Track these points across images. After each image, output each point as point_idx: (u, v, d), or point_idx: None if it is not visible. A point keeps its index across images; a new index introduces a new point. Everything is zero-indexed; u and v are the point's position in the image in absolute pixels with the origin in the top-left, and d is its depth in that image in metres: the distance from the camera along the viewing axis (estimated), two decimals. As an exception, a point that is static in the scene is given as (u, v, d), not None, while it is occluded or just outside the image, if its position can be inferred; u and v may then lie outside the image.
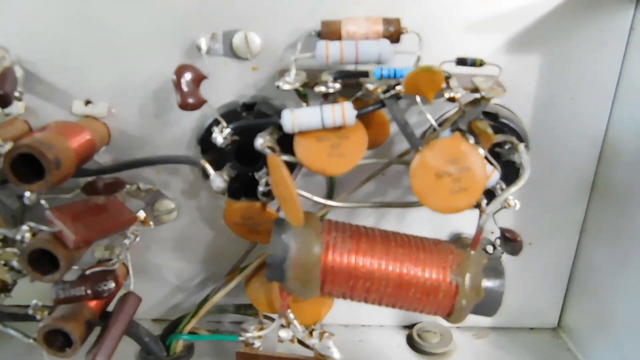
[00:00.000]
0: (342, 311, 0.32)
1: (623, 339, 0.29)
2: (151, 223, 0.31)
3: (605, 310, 0.31)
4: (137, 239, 0.31)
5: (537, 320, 0.36)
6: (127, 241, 0.30)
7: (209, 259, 0.33)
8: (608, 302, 0.31)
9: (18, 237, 0.26)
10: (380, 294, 0.26)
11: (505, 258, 0.30)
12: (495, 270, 0.26)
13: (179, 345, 0.31)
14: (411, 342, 0.34)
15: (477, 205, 0.26)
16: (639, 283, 0.28)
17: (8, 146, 0.24)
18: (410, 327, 0.35)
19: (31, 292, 0.28)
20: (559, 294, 0.35)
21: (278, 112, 0.27)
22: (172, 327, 0.32)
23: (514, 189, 0.25)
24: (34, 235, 0.26)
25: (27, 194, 0.25)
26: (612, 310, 0.30)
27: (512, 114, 0.29)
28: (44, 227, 0.25)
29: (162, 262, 0.33)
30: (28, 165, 0.24)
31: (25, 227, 0.26)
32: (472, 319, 0.34)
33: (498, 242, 0.30)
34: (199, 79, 0.26)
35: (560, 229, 0.33)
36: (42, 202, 0.26)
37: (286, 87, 0.26)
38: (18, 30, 0.28)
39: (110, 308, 0.30)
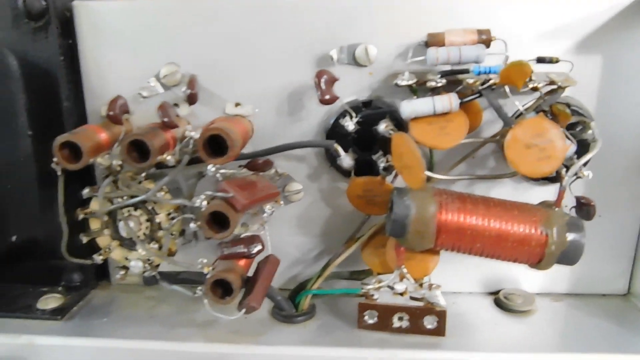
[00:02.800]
0: (435, 279, 0.39)
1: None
2: (281, 202, 0.40)
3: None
4: (272, 214, 0.39)
5: (608, 288, 0.42)
6: (264, 215, 0.39)
7: (326, 234, 0.41)
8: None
9: (197, 203, 0.34)
10: (483, 245, 0.33)
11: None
12: (576, 225, 0.33)
13: (306, 302, 0.39)
14: (498, 304, 0.41)
15: (557, 173, 0.34)
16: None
17: (197, 133, 0.33)
18: (495, 293, 0.42)
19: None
20: (627, 263, 0.41)
21: (389, 107, 0.36)
22: (299, 289, 0.40)
23: (589, 156, 0.32)
24: (208, 202, 0.35)
25: (211, 167, 0.34)
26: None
27: (579, 102, 0.37)
28: (219, 194, 0.34)
29: (287, 237, 0.42)
30: (210, 146, 0.34)
31: (203, 196, 0.34)
32: (549, 285, 0.41)
33: (572, 211, 0.37)
34: (332, 80, 0.35)
35: (625, 202, 0.40)
36: (217, 175, 0.35)
37: (403, 83, 0.34)
38: (186, 50, 0.38)
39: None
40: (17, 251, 0.40)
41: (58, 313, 0.39)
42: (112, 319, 0.40)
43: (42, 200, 0.40)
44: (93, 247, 0.40)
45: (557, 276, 0.42)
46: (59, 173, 0.36)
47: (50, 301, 0.41)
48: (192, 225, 0.36)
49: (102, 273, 0.45)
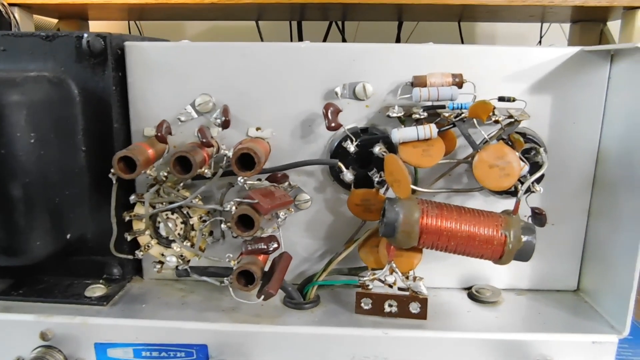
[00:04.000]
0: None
1: (623, 292, 0.44)
2: (292, 210, 0.49)
3: (609, 272, 0.47)
4: (285, 219, 0.48)
5: (561, 284, 0.51)
6: (279, 220, 0.48)
7: (329, 236, 0.50)
8: (610, 265, 0.46)
9: (227, 208, 0.43)
10: (456, 244, 0.42)
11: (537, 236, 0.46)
12: (529, 229, 0.43)
13: (312, 292, 0.48)
14: (471, 296, 0.50)
15: (515, 187, 0.43)
16: (627, 249, 0.43)
17: (231, 151, 0.42)
18: (468, 288, 0.51)
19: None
20: (576, 264, 0.51)
21: (382, 133, 0.45)
22: (307, 282, 0.49)
23: (538, 174, 0.42)
24: (237, 207, 0.43)
25: (241, 179, 0.43)
26: (613, 271, 0.46)
27: (534, 132, 0.46)
28: (246, 200, 0.43)
29: (296, 239, 0.50)
30: (240, 162, 0.43)
31: (232, 202, 0.43)
32: (514, 282, 0.50)
33: (529, 219, 0.47)
34: (337, 111, 0.45)
35: (573, 213, 0.49)
36: (245, 185, 0.44)
37: (394, 115, 0.44)
38: (217, 83, 0.47)
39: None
40: (70, 248, 0.49)
41: (104, 300, 0.48)
42: (149, 305, 0.48)
43: (91, 205, 0.49)
44: (133, 245, 0.49)
45: (520, 274, 0.51)
46: (114, 182, 0.45)
47: (96, 290, 0.49)
48: (222, 226, 0.44)
49: (136, 269, 0.53)
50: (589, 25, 1.78)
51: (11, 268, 0.50)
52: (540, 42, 2.00)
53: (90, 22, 2.00)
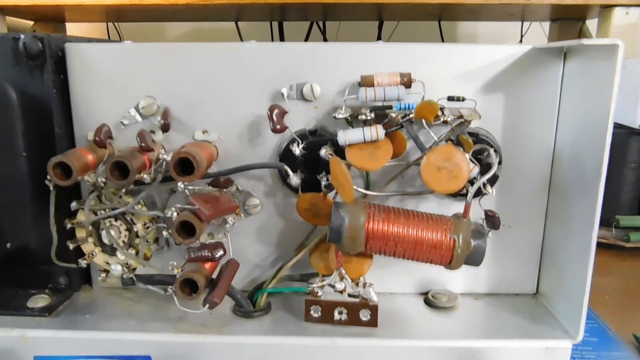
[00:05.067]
0: (375, 282, 0.47)
1: (576, 296, 0.43)
2: (242, 215, 0.47)
3: (563, 276, 0.46)
4: (234, 225, 0.46)
5: (519, 288, 0.50)
6: (227, 226, 0.46)
7: (279, 242, 0.49)
8: (564, 269, 0.45)
9: (169, 214, 0.42)
10: (404, 249, 0.41)
11: (491, 239, 0.45)
12: (479, 232, 0.41)
13: (262, 300, 0.46)
14: (427, 302, 0.49)
15: (465, 189, 0.42)
16: (579, 252, 0.42)
17: (169, 156, 0.41)
18: (425, 293, 0.50)
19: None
20: (534, 267, 0.50)
21: (331, 135, 0.44)
22: (257, 289, 0.47)
23: (487, 176, 0.41)
24: (178, 214, 0.42)
25: (181, 184, 0.41)
26: (567, 275, 0.45)
27: (488, 132, 0.45)
28: (187, 206, 0.41)
29: (246, 244, 0.49)
30: (179, 167, 0.41)
31: (173, 208, 0.42)
32: (471, 286, 0.49)
33: (483, 222, 0.45)
34: (283, 113, 0.43)
35: (530, 215, 0.48)
36: (186, 191, 0.42)
37: (340, 116, 0.42)
38: (162, 86, 0.46)
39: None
40: (11, 257, 0.47)
41: (46, 310, 0.46)
42: (94, 315, 0.46)
43: (33, 212, 0.47)
44: (78, 254, 0.47)
45: (477, 279, 0.50)
46: (51, 189, 0.43)
47: (39, 301, 0.47)
48: (164, 233, 0.43)
49: (85, 278, 0.51)
50: (567, 24, 1.79)
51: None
52: (521, 40, 2.00)
53: (68, 25, 1.98)
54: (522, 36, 1.98)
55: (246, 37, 2.14)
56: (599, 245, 0.54)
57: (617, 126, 0.92)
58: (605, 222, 0.90)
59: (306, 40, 1.97)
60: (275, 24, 1.97)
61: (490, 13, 1.76)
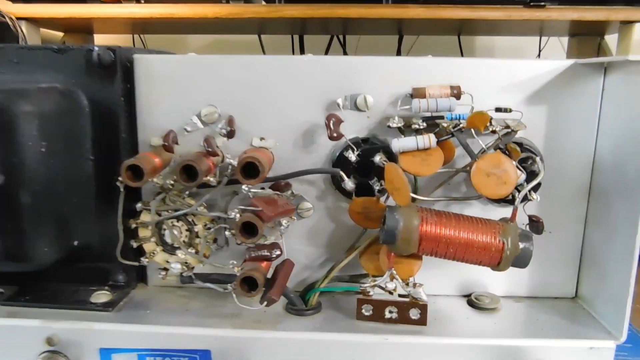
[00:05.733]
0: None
1: (619, 298, 0.45)
2: (295, 218, 0.50)
3: (605, 279, 0.48)
4: (288, 227, 0.49)
5: (559, 291, 0.52)
6: (281, 228, 0.49)
7: (330, 244, 0.52)
8: (606, 272, 0.47)
9: (232, 215, 0.44)
10: (455, 250, 0.44)
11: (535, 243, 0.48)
12: (526, 236, 0.44)
13: (314, 299, 0.49)
14: (470, 303, 0.51)
15: (512, 196, 0.44)
16: (622, 255, 0.45)
17: (235, 160, 0.44)
18: (468, 295, 0.52)
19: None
20: (574, 271, 0.52)
21: (382, 143, 0.46)
22: (308, 289, 0.50)
23: (534, 182, 0.43)
24: (241, 215, 0.45)
25: (245, 187, 0.44)
26: (609, 278, 0.47)
27: (531, 142, 0.48)
28: (250, 208, 0.44)
29: (298, 246, 0.51)
30: (244, 171, 0.44)
31: (236, 210, 0.44)
32: (512, 289, 0.51)
33: (526, 227, 0.48)
34: (339, 122, 0.46)
35: (570, 220, 0.50)
36: (249, 193, 0.45)
37: (394, 125, 0.45)
38: (222, 94, 0.49)
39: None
40: (76, 254, 0.50)
41: (109, 305, 0.49)
42: (153, 311, 0.49)
43: (97, 212, 0.50)
44: (139, 252, 0.50)
45: (518, 281, 0.52)
46: (122, 190, 0.46)
47: (101, 296, 0.50)
48: (226, 233, 0.46)
49: (140, 276, 0.54)
50: (586, 39, 1.81)
51: (18, 274, 0.51)
52: (539, 55, 2.02)
53: (95, 36, 2.03)
54: (540, 50, 2.00)
55: (268, 49, 2.18)
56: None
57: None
58: None
59: (326, 53, 2.00)
60: (296, 37, 2.01)
61: (510, 28, 1.79)
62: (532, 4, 1.43)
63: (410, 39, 2.07)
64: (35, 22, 1.49)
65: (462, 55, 1.98)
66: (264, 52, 2.04)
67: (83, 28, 1.81)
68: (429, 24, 1.66)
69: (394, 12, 1.45)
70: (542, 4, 1.44)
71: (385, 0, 1.43)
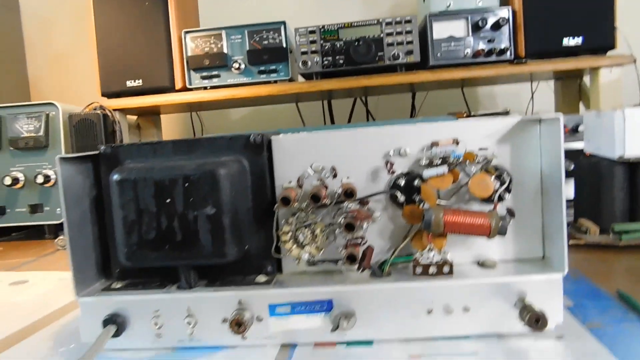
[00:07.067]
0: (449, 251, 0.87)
1: (560, 246, 0.83)
2: (370, 222, 0.89)
3: (553, 240, 0.85)
4: (367, 227, 0.88)
5: (533, 255, 0.89)
6: (365, 227, 0.87)
7: (391, 237, 0.89)
8: (553, 236, 0.85)
9: (339, 220, 0.83)
10: (465, 229, 0.81)
11: (512, 223, 0.85)
12: (504, 217, 0.82)
13: (387, 268, 0.87)
14: (478, 264, 0.88)
15: (493, 196, 0.83)
16: (558, 224, 0.82)
17: (340, 189, 0.83)
18: (477, 261, 0.90)
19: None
20: (540, 239, 0.89)
21: (417, 174, 0.87)
22: (382, 263, 0.88)
23: (503, 187, 0.82)
24: (345, 219, 0.83)
25: (346, 204, 0.84)
26: (554, 238, 0.84)
27: (502, 165, 0.87)
28: (349, 214, 0.83)
29: (372, 239, 0.89)
30: (345, 194, 0.83)
31: (342, 217, 0.83)
32: (502, 255, 0.89)
33: (506, 214, 0.85)
34: (392, 164, 0.86)
35: (532, 209, 0.88)
36: (349, 207, 0.84)
37: (423, 163, 0.85)
38: (322, 154, 0.89)
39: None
40: (245, 254, 0.89)
41: (267, 283, 0.87)
42: (294, 282, 0.87)
43: (257, 227, 0.89)
44: (278, 251, 0.88)
45: (506, 250, 0.89)
46: (276, 212, 0.86)
47: (261, 278, 0.88)
48: (336, 231, 0.84)
49: (278, 266, 0.92)
50: (568, 81, 2.28)
51: (208, 270, 0.90)
52: (532, 96, 2.46)
53: (161, 116, 2.55)
54: (532, 93, 2.45)
55: (303, 113, 2.66)
56: (601, 246, 0.97)
57: (605, 158, 1.33)
58: (604, 230, 1.30)
59: (351, 112, 2.46)
60: (325, 102, 2.48)
61: (504, 79, 2.25)
62: (515, 61, 1.87)
63: (421, 95, 2.54)
64: (122, 110, 2.00)
65: (466, 104, 2.42)
66: (301, 117, 2.51)
67: (152, 112, 2.32)
68: (436, 83, 2.13)
69: (407, 78, 1.92)
70: (524, 60, 1.88)
71: (400, 69, 1.88)
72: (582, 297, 0.94)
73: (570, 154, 1.39)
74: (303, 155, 0.88)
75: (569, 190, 0.91)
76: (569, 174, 0.85)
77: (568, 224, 0.75)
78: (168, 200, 0.82)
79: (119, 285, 0.91)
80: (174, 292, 0.86)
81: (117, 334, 0.85)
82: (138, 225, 0.83)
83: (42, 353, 0.88)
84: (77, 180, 0.90)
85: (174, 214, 0.83)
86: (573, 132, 1.73)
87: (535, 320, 0.75)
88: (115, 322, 0.85)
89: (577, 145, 1.69)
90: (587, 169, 1.40)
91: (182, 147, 0.89)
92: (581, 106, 2.16)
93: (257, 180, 0.89)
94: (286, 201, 0.83)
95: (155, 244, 0.83)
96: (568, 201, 0.82)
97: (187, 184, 0.82)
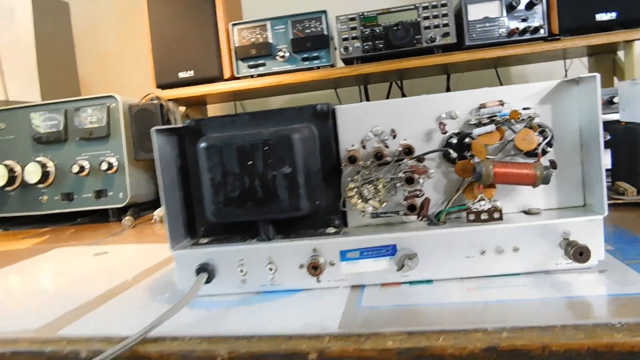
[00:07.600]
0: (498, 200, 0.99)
1: (600, 192, 0.94)
2: (426, 177, 1.01)
3: (593, 188, 0.96)
4: (424, 182, 1.00)
5: (574, 202, 0.99)
6: (421, 181, 1.00)
7: (446, 190, 1.01)
8: (593, 185, 0.96)
9: (400, 175, 0.96)
10: (513, 179, 0.93)
11: (555, 174, 0.97)
12: (547, 167, 0.93)
13: (443, 217, 0.99)
14: (524, 212, 1.00)
15: (537, 149, 0.94)
16: (598, 174, 0.94)
17: (398, 148, 0.96)
18: (522, 210, 1.01)
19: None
20: (580, 189, 1.00)
21: (468, 133, 0.99)
22: (438, 213, 1.00)
23: (546, 141, 0.93)
24: (405, 173, 0.96)
25: (406, 160, 0.97)
26: (595, 187, 0.95)
27: (543, 122, 0.98)
28: (408, 170, 0.96)
29: (428, 192, 1.02)
30: (404, 152, 0.96)
31: (402, 173, 0.96)
32: (546, 204, 1.01)
33: (549, 164, 0.97)
34: (444, 125, 0.98)
35: (574, 161, 0.99)
36: (407, 164, 0.97)
37: (473, 122, 0.97)
38: (380, 120, 1.02)
39: (418, 206, 0.99)
40: (315, 209, 1.02)
41: (337, 233, 1.00)
42: (360, 232, 1.00)
43: (325, 185, 1.03)
44: (344, 205, 1.02)
45: (550, 200, 1.01)
46: (343, 170, 0.99)
47: (331, 230, 1.02)
48: (397, 185, 0.97)
49: (344, 220, 1.06)
50: (602, 57, 2.37)
51: (283, 225, 1.04)
52: (565, 75, 2.56)
53: (208, 106, 2.73)
54: (566, 71, 2.53)
55: (341, 97, 2.80)
56: (638, 204, 1.08)
57: (633, 123, 1.43)
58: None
59: (387, 97, 2.59)
60: (362, 88, 2.61)
61: (537, 58, 2.35)
62: (549, 38, 1.98)
63: (455, 77, 2.65)
64: (175, 100, 2.17)
65: (500, 83, 2.53)
66: (340, 102, 2.65)
67: (199, 102, 2.49)
68: (470, 64, 2.24)
69: (443, 59, 2.04)
70: (558, 37, 1.98)
71: (436, 50, 1.99)
72: (622, 243, 1.05)
73: (607, 125, 1.51)
74: (364, 123, 1.01)
75: (606, 159, 1.02)
76: (605, 145, 0.97)
77: (607, 188, 0.87)
78: (250, 163, 0.96)
79: (205, 241, 1.05)
80: (255, 243, 1.00)
81: (207, 281, 1.00)
82: (224, 186, 0.98)
83: (143, 300, 1.03)
84: (166, 151, 1.05)
85: (255, 175, 0.96)
86: (608, 103, 1.82)
87: (580, 253, 0.86)
88: (207, 270, 1.00)
89: (612, 116, 1.79)
90: (622, 136, 1.50)
91: (257, 118, 1.03)
92: (615, 81, 2.24)
93: (324, 144, 1.02)
94: (352, 159, 0.97)
95: (240, 202, 0.98)
96: (606, 170, 0.93)
97: (266, 148, 0.96)
